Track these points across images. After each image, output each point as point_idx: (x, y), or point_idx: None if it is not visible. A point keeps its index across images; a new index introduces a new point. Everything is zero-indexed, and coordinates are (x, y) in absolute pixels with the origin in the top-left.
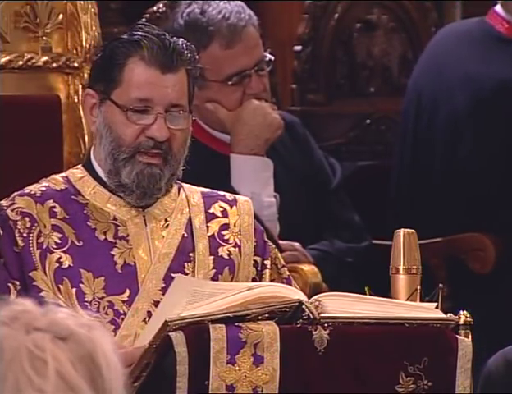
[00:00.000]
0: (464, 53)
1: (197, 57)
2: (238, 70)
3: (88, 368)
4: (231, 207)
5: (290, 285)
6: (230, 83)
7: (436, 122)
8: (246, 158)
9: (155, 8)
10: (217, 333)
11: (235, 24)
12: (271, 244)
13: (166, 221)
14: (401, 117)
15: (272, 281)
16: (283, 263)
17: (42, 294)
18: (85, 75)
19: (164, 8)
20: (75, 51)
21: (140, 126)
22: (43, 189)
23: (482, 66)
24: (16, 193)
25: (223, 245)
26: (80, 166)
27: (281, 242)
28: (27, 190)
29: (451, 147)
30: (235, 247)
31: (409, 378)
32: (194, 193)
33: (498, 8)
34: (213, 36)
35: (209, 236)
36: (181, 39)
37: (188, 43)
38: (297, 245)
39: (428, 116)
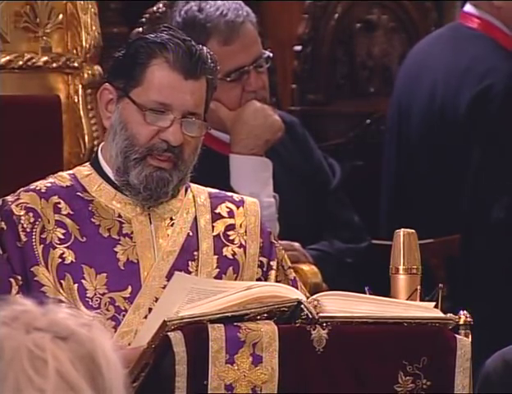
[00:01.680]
0: (440, 54)
1: (218, 67)
2: (236, 66)
3: (88, 367)
4: (238, 208)
5: (296, 286)
6: (228, 79)
7: (415, 125)
8: (245, 158)
9: (155, 8)
10: (216, 333)
11: (232, 20)
12: (278, 245)
13: (171, 219)
14: (386, 123)
15: (277, 282)
16: (290, 264)
17: (43, 289)
18: (85, 75)
19: (164, 8)
20: (75, 51)
21: (156, 128)
22: (49, 185)
23: (462, 61)
24: (21, 188)
25: (228, 245)
26: (87, 164)
27: (280, 242)
28: (32, 185)
29: (437, 149)
30: (239, 247)
31: (407, 378)
32: (202, 193)
33: (467, 8)
34: (211, 33)
35: (214, 236)
36: (205, 48)
37: (211, 53)
38: (297, 245)
39: (407, 122)
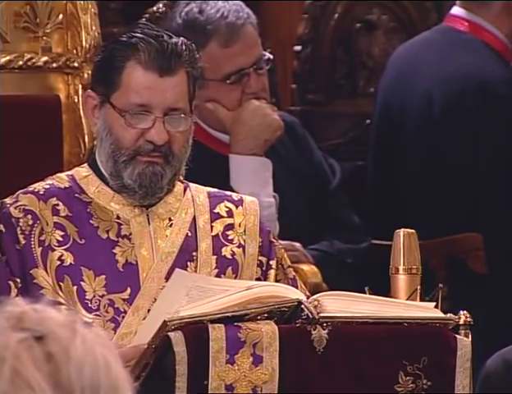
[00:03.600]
0: (433, 58)
1: (198, 56)
2: (236, 68)
3: (57, 366)
4: (237, 207)
5: (296, 285)
6: (228, 82)
7: (410, 130)
8: (245, 159)
9: (155, 8)
10: (216, 333)
11: (233, 22)
12: (277, 244)
13: (170, 220)
14: (372, 126)
15: (277, 281)
16: (289, 263)
17: (42, 291)
18: (85, 75)
19: (164, 8)
20: (75, 51)
21: (139, 130)
22: (47, 187)
23: (461, 67)
24: (20, 191)
25: (227, 245)
26: (85, 164)
27: (281, 242)
28: (31, 187)
29: (430, 148)
30: (238, 247)
31: (408, 378)
32: (201, 193)
33: (455, 11)
34: (211, 35)
35: (213, 236)
36: (181, 39)
37: (188, 43)
38: (297, 245)
39: (399, 126)
